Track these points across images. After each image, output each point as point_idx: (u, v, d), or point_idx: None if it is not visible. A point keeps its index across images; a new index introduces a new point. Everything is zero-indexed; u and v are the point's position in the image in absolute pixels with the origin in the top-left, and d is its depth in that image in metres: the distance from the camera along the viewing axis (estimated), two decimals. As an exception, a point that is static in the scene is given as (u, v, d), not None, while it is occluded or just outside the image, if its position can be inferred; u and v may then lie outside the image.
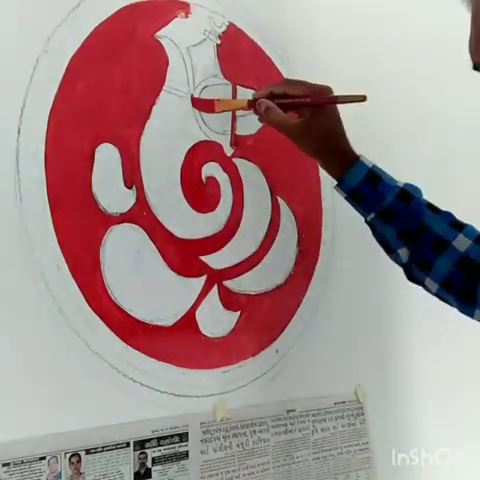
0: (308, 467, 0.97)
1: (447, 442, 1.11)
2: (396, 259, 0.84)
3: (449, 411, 1.15)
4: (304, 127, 0.80)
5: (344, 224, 1.05)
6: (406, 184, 0.82)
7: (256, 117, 0.89)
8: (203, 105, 0.88)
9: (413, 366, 1.13)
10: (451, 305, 0.81)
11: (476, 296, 0.77)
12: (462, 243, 0.79)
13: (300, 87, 0.82)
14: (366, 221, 0.84)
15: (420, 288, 0.86)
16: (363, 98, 0.79)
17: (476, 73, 0.69)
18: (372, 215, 0.82)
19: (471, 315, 0.78)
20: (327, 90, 0.82)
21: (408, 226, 0.80)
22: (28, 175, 0.73)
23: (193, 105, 0.89)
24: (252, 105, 0.84)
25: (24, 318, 0.72)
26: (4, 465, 0.68)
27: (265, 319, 0.94)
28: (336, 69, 1.06)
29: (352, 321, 1.05)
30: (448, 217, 0.82)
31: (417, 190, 0.82)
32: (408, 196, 0.81)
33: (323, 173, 1.03)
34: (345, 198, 0.83)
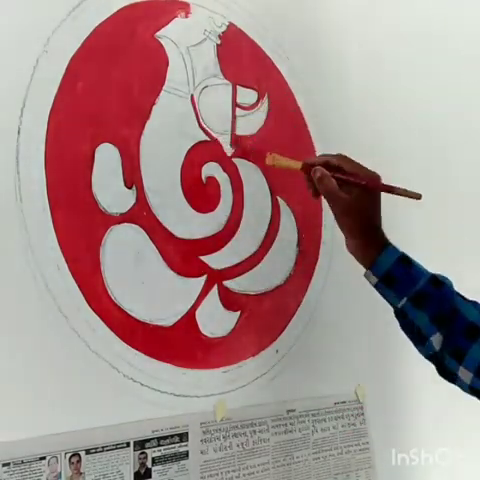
0: (308, 467, 0.97)
1: (447, 442, 1.11)
2: (427, 349, 0.82)
3: (449, 411, 1.15)
4: (353, 205, 0.82)
5: (344, 224, 1.05)
6: (436, 273, 0.82)
7: (256, 117, 0.89)
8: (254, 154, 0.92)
9: (413, 366, 1.13)
10: None
11: None
12: None
13: (354, 166, 0.83)
14: (396, 310, 0.82)
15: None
16: (418, 196, 0.80)
17: None
18: (404, 300, 0.80)
19: None
20: (377, 176, 0.83)
21: (441, 310, 0.80)
22: (28, 175, 0.73)
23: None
24: (306, 169, 0.85)
25: (24, 318, 0.72)
26: (4, 465, 0.68)
27: (265, 319, 0.94)
28: (336, 69, 1.06)
29: (352, 321, 1.05)
30: (478, 306, 0.81)
31: (447, 279, 0.82)
32: (439, 282, 0.81)
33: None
34: (375, 284, 0.82)
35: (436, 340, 0.80)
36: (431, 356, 0.82)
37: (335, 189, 0.81)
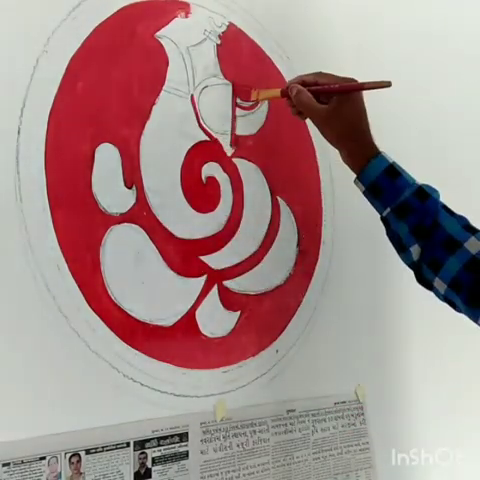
0: (308, 467, 0.97)
1: (447, 442, 1.11)
2: (407, 258, 0.85)
3: (449, 411, 1.15)
4: (331, 112, 0.83)
5: (344, 224, 1.05)
6: (424, 184, 0.84)
7: (256, 117, 0.89)
8: (241, 92, 0.93)
9: (413, 366, 1.13)
10: (458, 309, 0.81)
11: None
12: (474, 245, 0.79)
13: (330, 77, 0.85)
14: (381, 218, 0.85)
15: (420, 288, 0.86)
16: (388, 84, 0.82)
17: None
18: (387, 210, 0.83)
19: (476, 318, 0.78)
20: (350, 80, 0.85)
21: (422, 223, 0.81)
22: (28, 175, 0.73)
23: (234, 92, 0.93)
24: (285, 94, 0.87)
25: (24, 318, 0.72)
26: (4, 465, 0.68)
27: (265, 319, 0.94)
28: (336, 69, 1.06)
29: (352, 321, 1.05)
30: (462, 221, 0.83)
31: (435, 191, 0.84)
32: (425, 195, 0.82)
33: (323, 173, 1.04)
34: (363, 192, 0.85)
35: (415, 251, 0.83)
36: (411, 264, 0.85)
37: (311, 100, 0.84)
